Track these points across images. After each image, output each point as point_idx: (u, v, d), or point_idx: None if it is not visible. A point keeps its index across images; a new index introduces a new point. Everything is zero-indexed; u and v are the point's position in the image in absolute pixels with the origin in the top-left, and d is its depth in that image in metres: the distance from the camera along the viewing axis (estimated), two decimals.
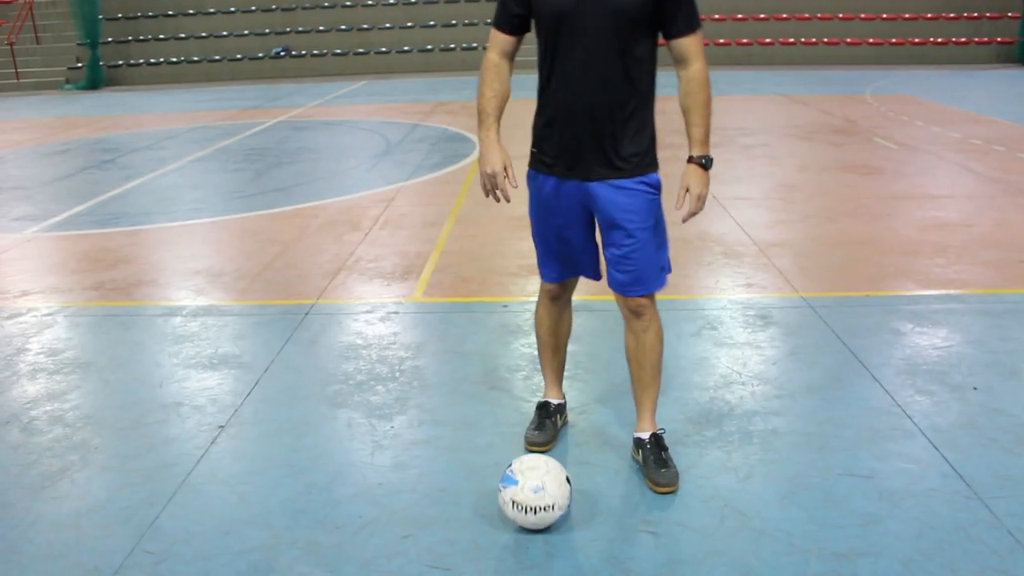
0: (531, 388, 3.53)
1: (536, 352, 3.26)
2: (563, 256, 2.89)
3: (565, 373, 3.24)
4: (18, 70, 20.41)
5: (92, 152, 10.30)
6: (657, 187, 2.72)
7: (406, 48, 21.46)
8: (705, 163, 2.66)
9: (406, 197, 7.15)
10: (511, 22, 2.71)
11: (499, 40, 2.74)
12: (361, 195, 7.37)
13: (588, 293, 4.65)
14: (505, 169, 2.69)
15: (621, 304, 2.82)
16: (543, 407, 3.14)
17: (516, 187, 2.72)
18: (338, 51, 21.44)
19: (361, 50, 21.46)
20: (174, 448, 3.13)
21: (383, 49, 21.47)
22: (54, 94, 19.25)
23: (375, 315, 4.46)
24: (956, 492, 2.71)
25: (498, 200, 2.75)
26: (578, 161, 2.68)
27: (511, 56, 2.77)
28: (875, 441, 3.04)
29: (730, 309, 4.38)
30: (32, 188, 8.18)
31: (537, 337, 3.13)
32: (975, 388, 3.42)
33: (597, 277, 2.96)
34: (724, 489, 2.76)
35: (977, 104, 12.40)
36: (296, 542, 2.55)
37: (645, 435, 2.89)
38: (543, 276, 2.98)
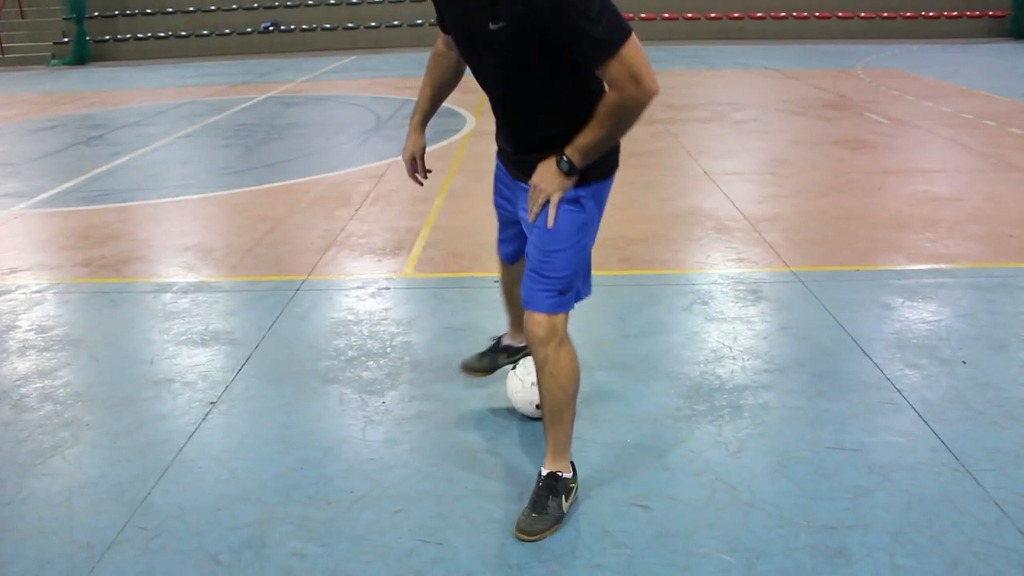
0: (522, 363, 3.52)
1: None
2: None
3: None
4: (3, 45, 20.19)
5: (80, 128, 10.21)
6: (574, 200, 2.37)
7: (395, 23, 21.29)
8: (561, 163, 2.27)
9: (397, 173, 7.12)
10: (440, 22, 2.56)
11: (441, 31, 2.64)
12: (351, 171, 7.33)
13: None
14: (414, 159, 2.80)
15: (524, 325, 2.49)
16: (496, 341, 3.21)
17: (428, 175, 2.86)
18: (327, 26, 21.26)
19: (351, 24, 21.28)
20: (165, 424, 3.13)
21: (373, 24, 21.29)
22: (40, 70, 19.05)
23: (366, 291, 4.45)
24: (944, 465, 2.73)
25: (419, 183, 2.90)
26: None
27: (454, 47, 2.63)
28: (865, 415, 3.05)
29: (721, 284, 4.39)
30: (20, 164, 8.11)
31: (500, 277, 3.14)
32: (964, 362, 3.44)
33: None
34: (715, 463, 2.78)
35: (968, 78, 12.39)
36: (288, 517, 2.55)
37: (543, 470, 2.57)
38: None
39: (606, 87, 2.17)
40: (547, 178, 2.31)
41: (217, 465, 2.85)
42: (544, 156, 2.33)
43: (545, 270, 2.38)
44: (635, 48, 2.08)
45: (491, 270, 4.72)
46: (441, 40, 2.67)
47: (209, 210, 6.24)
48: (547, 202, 2.33)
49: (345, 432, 3.06)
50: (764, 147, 7.84)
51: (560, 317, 2.42)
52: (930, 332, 3.73)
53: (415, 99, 2.81)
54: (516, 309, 3.09)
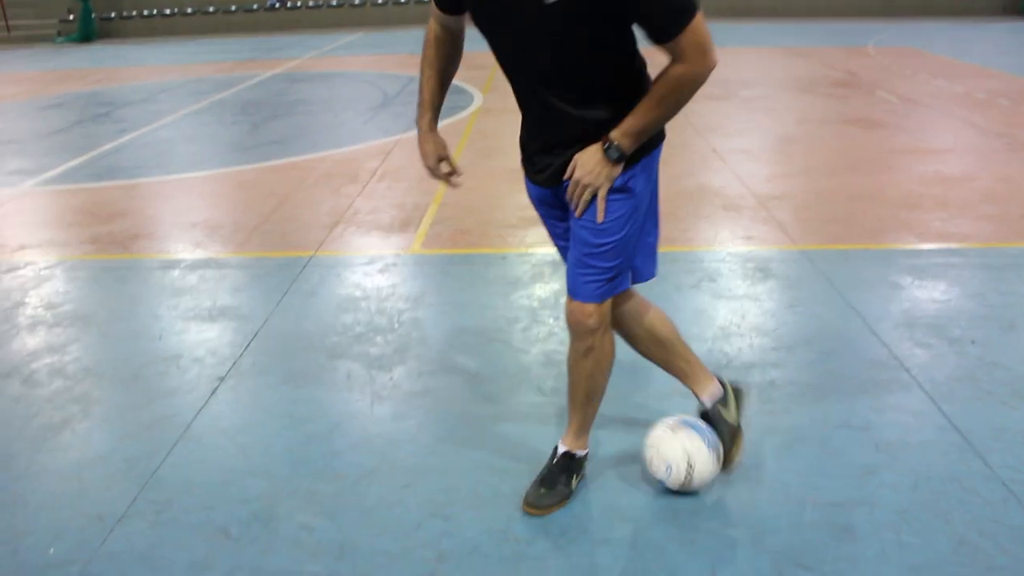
0: (529, 339, 3.53)
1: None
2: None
3: (563, 323, 3.03)
4: (9, 23, 20.15)
5: (86, 106, 10.20)
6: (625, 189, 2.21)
7: (402, 0, 21.17)
8: (609, 150, 2.10)
9: (404, 149, 7.10)
10: (445, 1, 2.28)
11: (435, 11, 2.33)
12: (358, 147, 7.31)
13: None
14: (440, 161, 2.40)
15: (565, 313, 2.35)
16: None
17: (460, 176, 2.43)
18: (334, 3, 21.16)
19: (357, 2, 21.18)
20: (174, 400, 3.14)
21: (379, 1, 21.18)
22: (46, 47, 19.02)
23: (374, 267, 4.45)
24: (952, 444, 2.72)
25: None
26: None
27: (456, 30, 2.36)
28: (872, 393, 3.05)
29: (729, 262, 4.38)
30: (26, 142, 8.11)
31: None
32: (973, 341, 3.42)
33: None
34: None
35: (982, 57, 12.28)
36: (296, 492, 2.57)
37: (560, 447, 2.55)
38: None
39: (670, 62, 2.00)
40: (592, 169, 2.12)
41: (225, 440, 2.87)
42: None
43: (595, 262, 2.21)
44: (702, 19, 1.96)
45: (498, 247, 4.72)
46: (435, 22, 2.34)
47: (216, 187, 6.24)
48: (593, 196, 2.15)
49: (353, 407, 3.07)
50: (773, 125, 7.80)
51: (609, 302, 2.29)
52: (939, 311, 3.71)
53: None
54: (675, 363, 2.63)
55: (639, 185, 2.20)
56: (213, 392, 3.19)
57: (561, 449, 2.55)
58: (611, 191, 2.16)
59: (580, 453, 2.55)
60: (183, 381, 3.28)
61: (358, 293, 4.10)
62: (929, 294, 3.90)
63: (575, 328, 2.30)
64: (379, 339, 3.60)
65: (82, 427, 2.96)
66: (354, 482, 2.61)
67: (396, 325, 3.74)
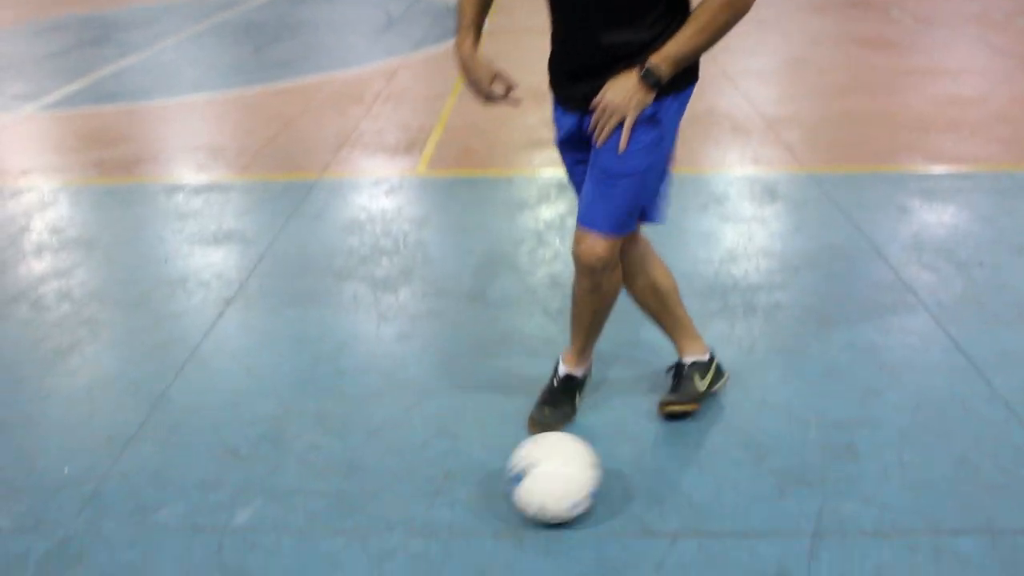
0: (535, 261, 3.52)
1: None
2: None
3: (569, 244, 2.86)
4: None
5: (85, 28, 10.03)
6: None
7: None
8: (646, 75, 1.98)
9: (409, 71, 7.00)
10: None
11: None
12: (363, 69, 7.20)
13: None
14: (494, 80, 2.21)
15: (573, 251, 2.24)
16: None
17: (516, 88, 2.24)
18: None
19: None
20: (181, 323, 3.16)
21: None
22: None
23: (379, 189, 4.42)
24: (956, 366, 2.73)
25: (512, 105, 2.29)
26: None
27: None
28: (878, 315, 3.05)
29: (737, 184, 4.34)
30: (26, 66, 8.01)
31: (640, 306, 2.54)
32: (981, 264, 3.41)
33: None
34: (727, 361, 2.78)
35: None
36: (304, 412, 2.59)
37: (561, 368, 2.55)
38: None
39: None
40: (624, 93, 1.99)
41: (233, 362, 2.89)
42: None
43: (613, 191, 2.10)
44: None
45: (504, 169, 4.68)
46: None
47: (219, 110, 6.17)
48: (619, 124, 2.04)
49: (359, 328, 3.08)
50: (784, 46, 7.65)
51: (619, 240, 2.18)
52: (947, 235, 3.69)
53: None
54: (667, 316, 2.56)
55: (668, 117, 2.09)
56: (220, 315, 3.20)
57: (563, 371, 2.55)
58: (640, 120, 2.04)
59: (581, 374, 2.56)
60: (190, 304, 3.29)
61: (364, 215, 4.09)
62: (938, 217, 3.87)
63: (584, 263, 2.19)
64: (385, 261, 3.60)
65: (90, 350, 2.99)
66: (361, 402, 2.64)
67: (402, 247, 3.73)
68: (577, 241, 2.19)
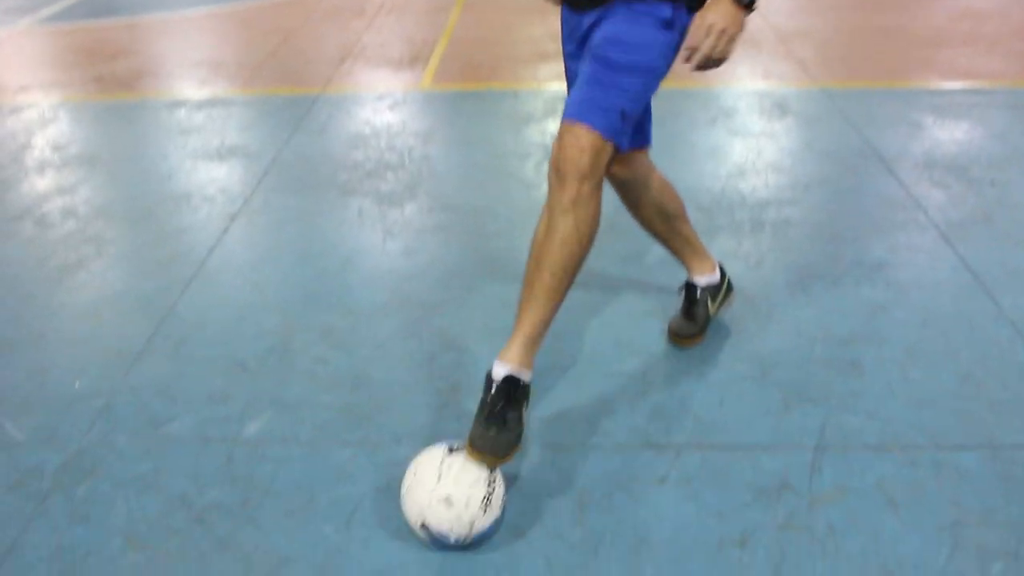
0: (541, 175, 3.49)
1: None
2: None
3: None
4: None
5: None
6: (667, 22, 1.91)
7: None
8: None
9: None
10: None
11: None
12: None
13: None
14: None
15: (552, 155, 1.90)
16: (685, 287, 2.51)
17: None
18: None
19: None
20: (186, 238, 3.15)
21: None
22: None
23: (383, 103, 4.36)
24: (963, 284, 2.72)
25: None
26: None
27: None
28: (887, 233, 3.03)
29: (746, 98, 4.27)
30: None
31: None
32: (993, 182, 3.37)
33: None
34: (733, 276, 2.77)
35: None
36: (310, 326, 2.60)
37: (499, 369, 1.89)
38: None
39: None
40: (729, 16, 1.79)
41: (239, 276, 2.89)
42: None
43: (611, 86, 1.86)
44: None
45: (510, 82, 4.60)
46: None
47: (219, 24, 6.05)
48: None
49: (365, 243, 3.07)
50: None
51: (609, 148, 1.87)
52: (960, 152, 3.64)
53: None
54: (676, 238, 2.42)
55: (680, 28, 1.92)
56: (225, 230, 3.19)
57: (501, 372, 1.89)
58: (657, 20, 1.88)
59: (525, 377, 1.91)
60: (195, 219, 3.28)
61: (368, 130, 4.04)
62: (950, 134, 3.81)
63: (565, 164, 1.84)
64: (390, 176, 3.57)
65: (97, 266, 2.99)
66: (367, 316, 2.65)
67: (407, 161, 3.70)
68: (560, 138, 1.86)
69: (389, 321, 2.62)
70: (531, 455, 2.07)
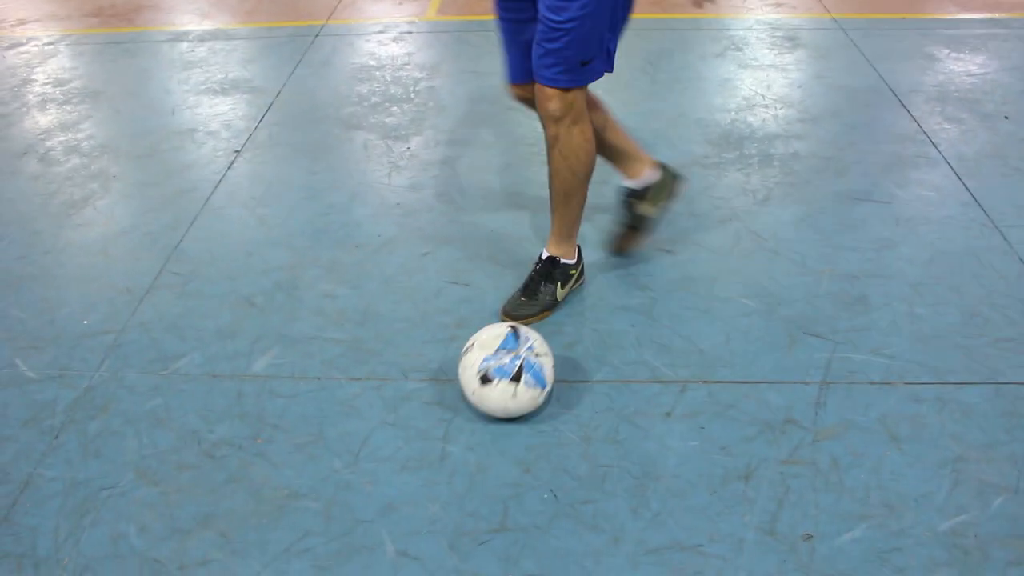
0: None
1: None
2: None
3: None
4: None
5: None
6: None
7: None
8: None
9: None
10: None
11: None
12: None
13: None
14: None
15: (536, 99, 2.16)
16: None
17: None
18: None
19: None
20: (192, 174, 3.13)
21: None
22: None
23: (388, 35, 4.29)
24: (973, 220, 2.70)
25: None
26: None
27: None
28: (897, 168, 2.99)
29: (757, 29, 4.18)
30: None
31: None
32: (1007, 117, 3.32)
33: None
34: (741, 211, 2.77)
35: None
36: (318, 261, 2.61)
37: (542, 252, 2.39)
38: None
39: None
40: None
41: (245, 212, 2.88)
42: None
43: (553, 44, 2.01)
44: None
45: None
46: None
47: None
48: None
49: (371, 177, 3.06)
50: None
51: (575, 92, 2.09)
52: (974, 85, 3.57)
53: None
54: (612, 154, 2.49)
55: None
56: (230, 165, 3.17)
57: (544, 254, 2.38)
58: None
59: (565, 260, 2.37)
60: (199, 155, 3.26)
61: (372, 62, 3.98)
62: (965, 67, 3.74)
63: (544, 114, 2.12)
64: (395, 109, 3.53)
65: (103, 203, 2.98)
66: (374, 251, 2.64)
67: (412, 95, 3.65)
68: (537, 89, 2.11)
69: (395, 256, 2.62)
70: None
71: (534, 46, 2.08)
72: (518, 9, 2.15)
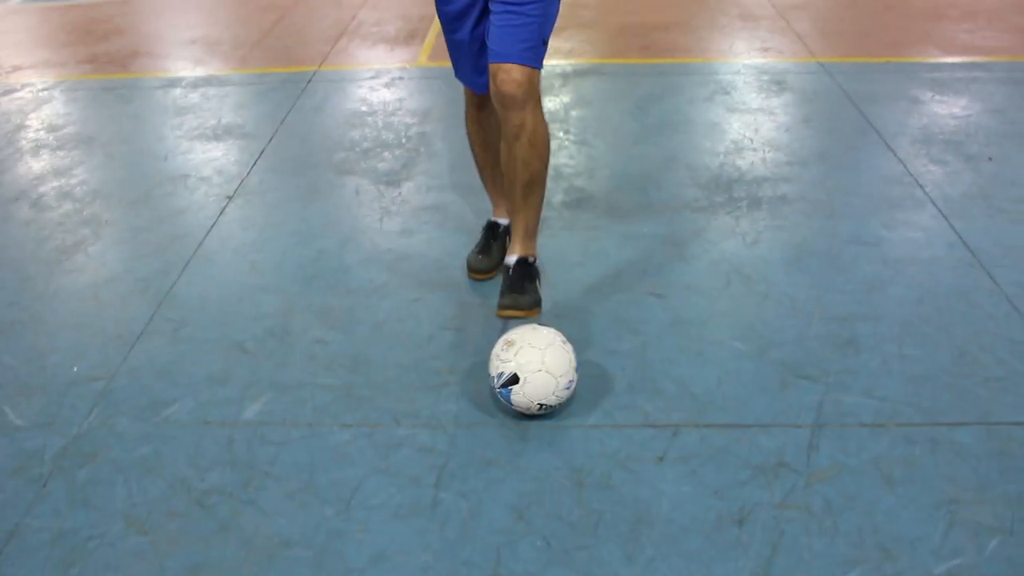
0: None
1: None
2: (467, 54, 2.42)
3: (572, 136, 2.99)
4: None
5: None
6: None
7: None
8: None
9: None
10: None
11: None
12: None
13: (597, 56, 4.49)
14: None
15: (491, 92, 2.27)
16: (490, 228, 2.77)
17: None
18: None
19: None
20: (184, 219, 3.14)
21: None
22: None
23: (379, 81, 4.34)
24: (960, 260, 2.72)
25: None
26: None
27: None
28: (884, 209, 3.03)
29: (744, 74, 4.24)
30: None
31: (471, 150, 2.71)
32: (990, 159, 3.36)
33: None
34: (731, 254, 2.79)
35: None
36: (309, 307, 2.61)
37: (511, 259, 2.51)
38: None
39: None
40: None
41: (237, 257, 2.89)
42: None
43: (522, 24, 2.16)
44: None
45: None
46: None
47: (214, 1, 6.00)
48: None
49: (362, 223, 3.07)
50: None
51: (537, 73, 2.22)
52: (958, 127, 3.63)
53: None
54: (500, 171, 2.60)
55: None
56: (222, 211, 3.19)
57: (513, 258, 2.50)
58: None
59: (533, 259, 2.53)
60: (192, 200, 3.27)
61: (364, 108, 4.02)
62: (949, 109, 3.80)
63: (508, 102, 2.21)
64: (387, 154, 3.56)
65: (95, 248, 2.98)
66: (366, 296, 2.65)
67: (404, 140, 3.68)
68: (493, 76, 2.21)
69: (387, 301, 2.62)
70: (529, 434, 2.08)
71: (497, 34, 2.19)
72: (467, 25, 2.32)
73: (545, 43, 2.23)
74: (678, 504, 1.88)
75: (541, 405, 2.07)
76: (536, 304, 2.47)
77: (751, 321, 2.47)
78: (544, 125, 2.30)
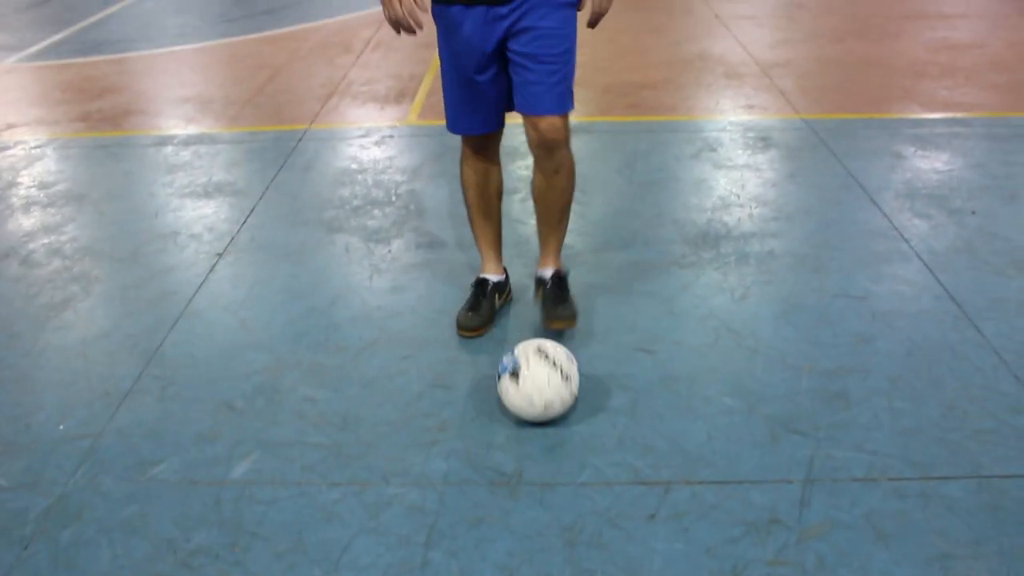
0: (527, 211, 3.50)
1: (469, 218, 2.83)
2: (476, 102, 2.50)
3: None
4: None
5: None
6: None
7: None
8: None
9: None
10: None
11: None
12: (351, 16, 7.10)
13: (586, 114, 4.56)
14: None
15: (531, 138, 2.43)
16: (479, 285, 2.79)
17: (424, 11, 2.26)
18: None
19: None
20: (173, 277, 3.14)
21: None
22: None
23: (370, 139, 4.39)
24: (947, 313, 2.74)
25: (411, 32, 2.24)
26: None
27: None
28: (871, 263, 3.05)
29: (730, 131, 4.31)
30: (5, 15, 7.86)
31: (464, 201, 2.76)
32: (974, 212, 3.41)
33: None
34: (719, 309, 2.80)
35: None
36: (299, 364, 2.60)
37: (547, 272, 2.72)
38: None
39: None
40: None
41: (226, 315, 2.89)
42: None
43: (560, 70, 2.34)
44: None
45: None
46: None
47: (206, 60, 6.08)
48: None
49: (352, 280, 3.08)
50: None
51: (569, 116, 2.44)
52: (941, 182, 3.68)
53: None
54: (493, 223, 2.78)
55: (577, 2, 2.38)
56: (212, 268, 3.19)
57: (548, 272, 2.70)
58: (563, 4, 2.31)
59: (564, 271, 2.75)
60: (182, 258, 3.28)
61: (354, 166, 4.06)
62: (931, 164, 3.86)
63: (552, 146, 2.41)
64: (377, 212, 3.58)
65: (84, 306, 2.98)
66: (355, 354, 2.64)
67: (394, 198, 3.71)
68: (534, 127, 2.39)
69: (377, 358, 2.62)
70: (520, 493, 2.07)
71: (527, 87, 2.35)
72: (491, 70, 2.41)
73: (573, 85, 2.42)
74: (670, 562, 1.86)
75: (547, 407, 2.23)
76: (577, 314, 2.64)
77: (741, 376, 2.47)
78: (572, 155, 2.52)
